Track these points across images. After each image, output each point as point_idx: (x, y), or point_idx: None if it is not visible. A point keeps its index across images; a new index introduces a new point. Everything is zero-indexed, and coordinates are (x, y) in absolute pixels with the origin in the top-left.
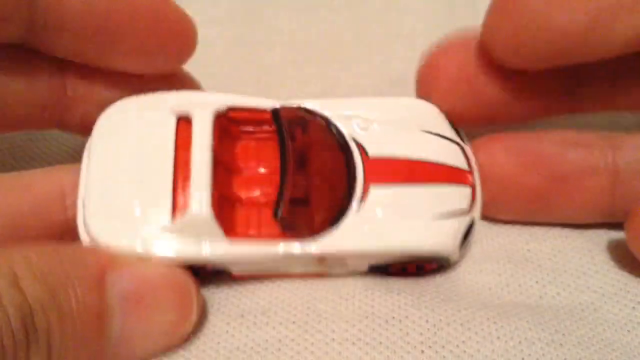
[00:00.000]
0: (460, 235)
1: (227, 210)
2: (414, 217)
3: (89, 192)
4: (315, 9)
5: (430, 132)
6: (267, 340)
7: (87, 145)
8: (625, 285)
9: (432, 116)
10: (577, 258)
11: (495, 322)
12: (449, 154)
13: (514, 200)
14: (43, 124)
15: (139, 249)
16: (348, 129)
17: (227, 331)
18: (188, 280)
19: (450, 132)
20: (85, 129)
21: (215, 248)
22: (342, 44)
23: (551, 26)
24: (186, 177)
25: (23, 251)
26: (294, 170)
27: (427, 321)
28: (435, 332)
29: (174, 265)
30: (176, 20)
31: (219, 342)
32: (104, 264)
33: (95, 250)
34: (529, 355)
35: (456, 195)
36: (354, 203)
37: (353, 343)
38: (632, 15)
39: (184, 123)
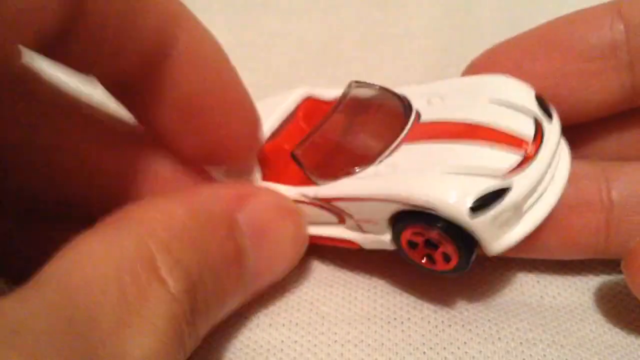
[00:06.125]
0: (472, 195)
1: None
2: (428, 170)
3: None
4: (310, 11)
5: (503, 104)
6: (269, 342)
7: None
8: (625, 289)
9: (515, 91)
10: (577, 261)
11: (496, 324)
12: (510, 122)
13: None
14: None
15: None
16: (418, 103)
17: (230, 332)
18: (296, 207)
19: (530, 106)
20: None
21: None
22: (340, 45)
23: None
24: None
25: (161, 208)
26: (336, 121)
27: (429, 322)
28: (436, 334)
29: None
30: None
31: (221, 344)
32: (232, 206)
33: (221, 191)
34: (530, 356)
35: (494, 157)
36: (380, 158)
37: (355, 345)
38: (600, 79)
39: None
